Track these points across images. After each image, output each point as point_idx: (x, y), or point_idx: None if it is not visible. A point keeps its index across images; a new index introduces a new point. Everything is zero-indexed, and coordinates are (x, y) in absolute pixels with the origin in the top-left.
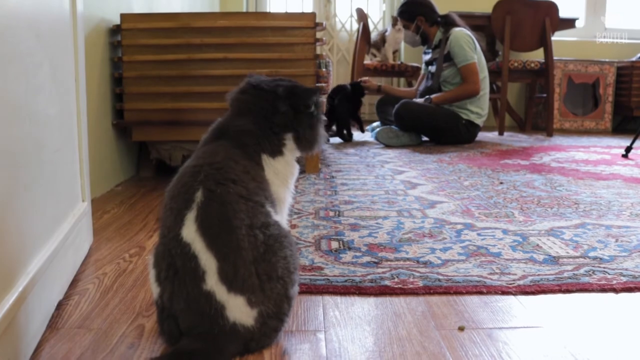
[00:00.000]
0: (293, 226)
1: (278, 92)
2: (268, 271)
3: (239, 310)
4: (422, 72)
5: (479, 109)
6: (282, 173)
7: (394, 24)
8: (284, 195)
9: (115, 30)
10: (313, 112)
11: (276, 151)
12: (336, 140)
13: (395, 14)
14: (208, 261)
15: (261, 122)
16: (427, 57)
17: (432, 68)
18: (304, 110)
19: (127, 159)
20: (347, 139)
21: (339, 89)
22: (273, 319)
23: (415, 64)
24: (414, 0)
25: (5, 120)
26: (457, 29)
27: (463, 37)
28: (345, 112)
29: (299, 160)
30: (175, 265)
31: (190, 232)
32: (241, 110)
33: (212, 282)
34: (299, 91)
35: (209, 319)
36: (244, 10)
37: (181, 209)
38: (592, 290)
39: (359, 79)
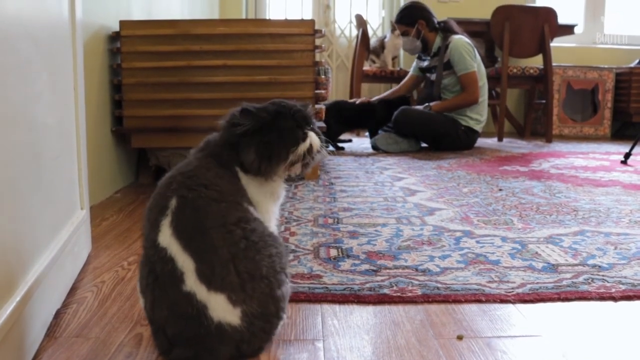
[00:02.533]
0: (292, 233)
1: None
2: (250, 269)
3: (222, 309)
4: (411, 72)
5: (478, 115)
6: (261, 188)
7: (393, 30)
8: (267, 207)
9: (114, 37)
10: (242, 132)
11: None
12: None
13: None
14: (185, 262)
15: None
16: (424, 63)
17: (432, 76)
18: (236, 132)
19: (126, 165)
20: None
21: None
22: (259, 320)
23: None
24: (414, 5)
25: (4, 129)
26: (456, 36)
27: (463, 46)
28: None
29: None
30: (155, 271)
31: (165, 237)
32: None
33: (191, 282)
34: (235, 111)
35: (192, 320)
36: (244, 17)
37: (157, 218)
38: (591, 299)
39: (370, 99)
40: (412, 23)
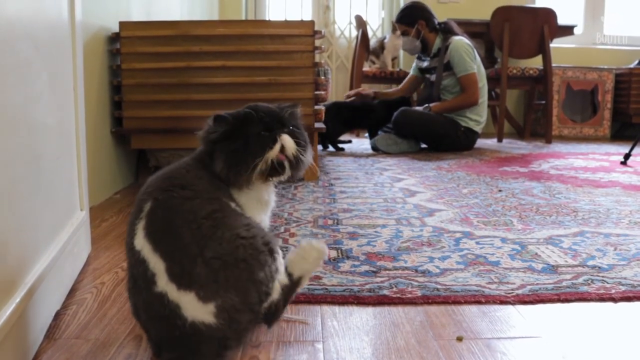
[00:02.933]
0: (291, 234)
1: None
2: (220, 253)
3: (192, 307)
4: (412, 73)
5: (477, 116)
6: (247, 195)
7: (394, 30)
8: (254, 214)
9: (114, 38)
10: (214, 139)
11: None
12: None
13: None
14: (157, 264)
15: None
16: (424, 64)
17: (432, 77)
18: (209, 139)
19: (125, 166)
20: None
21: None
22: (241, 312)
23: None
24: (415, 5)
25: (3, 130)
26: (456, 37)
27: (463, 47)
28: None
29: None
30: (134, 276)
31: (139, 240)
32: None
33: (163, 283)
34: (209, 119)
35: (167, 322)
36: (243, 18)
37: (133, 222)
38: (591, 300)
39: (357, 92)
40: (412, 23)
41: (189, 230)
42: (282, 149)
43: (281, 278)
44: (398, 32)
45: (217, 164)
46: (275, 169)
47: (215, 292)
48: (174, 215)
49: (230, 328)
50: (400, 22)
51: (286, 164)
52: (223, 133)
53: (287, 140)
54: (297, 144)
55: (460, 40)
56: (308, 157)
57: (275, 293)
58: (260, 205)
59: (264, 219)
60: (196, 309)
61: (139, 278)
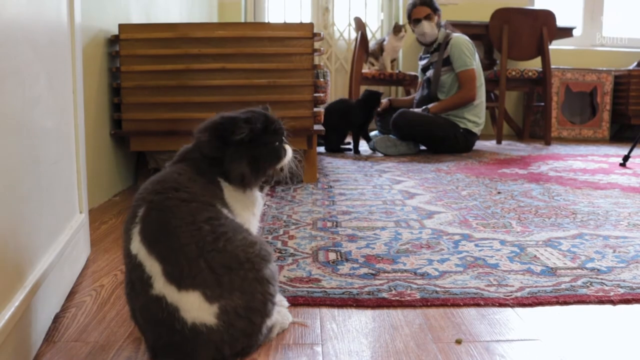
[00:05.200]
0: (290, 237)
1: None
2: (225, 262)
3: (195, 308)
4: (420, 79)
5: (476, 118)
6: (242, 199)
7: (395, 31)
8: (248, 218)
9: (113, 40)
10: (239, 139)
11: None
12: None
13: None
14: (152, 266)
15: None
16: (424, 62)
17: (430, 73)
18: (234, 138)
19: (125, 168)
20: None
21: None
22: (242, 317)
23: (413, 73)
24: None
25: (3, 133)
26: (457, 34)
27: (464, 43)
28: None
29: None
30: (131, 280)
31: (135, 244)
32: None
33: (160, 285)
34: (219, 121)
35: (165, 325)
36: (242, 20)
37: (128, 227)
38: (590, 302)
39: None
40: (435, 10)
41: (187, 231)
42: None
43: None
44: (401, 34)
45: (237, 166)
46: (270, 176)
47: (220, 294)
48: (169, 217)
49: (227, 332)
50: (427, 5)
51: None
52: (248, 136)
53: (290, 151)
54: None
55: (462, 37)
56: (298, 168)
57: (275, 312)
58: (253, 209)
59: (253, 222)
60: (200, 310)
61: (136, 282)
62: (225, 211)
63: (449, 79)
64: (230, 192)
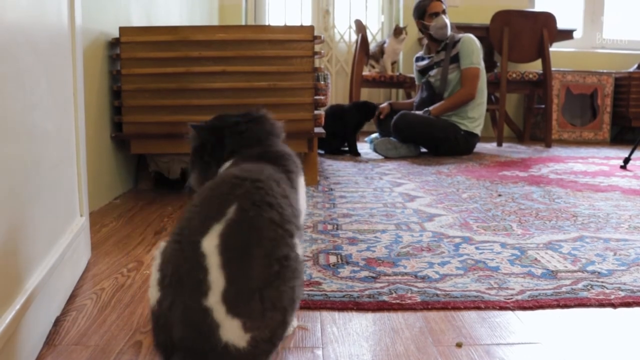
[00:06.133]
0: None
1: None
2: (274, 300)
3: (233, 333)
4: (417, 82)
5: (474, 114)
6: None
7: (396, 34)
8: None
9: (114, 43)
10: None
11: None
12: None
13: (397, 23)
14: (217, 279)
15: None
16: (423, 63)
17: (432, 72)
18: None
19: (125, 171)
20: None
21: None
22: (266, 343)
23: (413, 75)
24: None
25: (3, 136)
26: (467, 34)
27: (475, 42)
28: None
29: None
30: (180, 271)
31: (210, 244)
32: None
33: (214, 300)
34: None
35: (202, 335)
36: (243, 23)
37: (210, 218)
38: (590, 305)
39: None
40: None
41: (261, 265)
42: None
43: None
44: (402, 36)
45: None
46: None
47: (257, 327)
48: (254, 241)
49: (252, 354)
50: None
51: None
52: None
53: None
54: None
55: (472, 36)
56: None
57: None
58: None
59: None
60: (236, 335)
61: (188, 281)
62: (296, 241)
63: (455, 78)
64: (299, 184)
